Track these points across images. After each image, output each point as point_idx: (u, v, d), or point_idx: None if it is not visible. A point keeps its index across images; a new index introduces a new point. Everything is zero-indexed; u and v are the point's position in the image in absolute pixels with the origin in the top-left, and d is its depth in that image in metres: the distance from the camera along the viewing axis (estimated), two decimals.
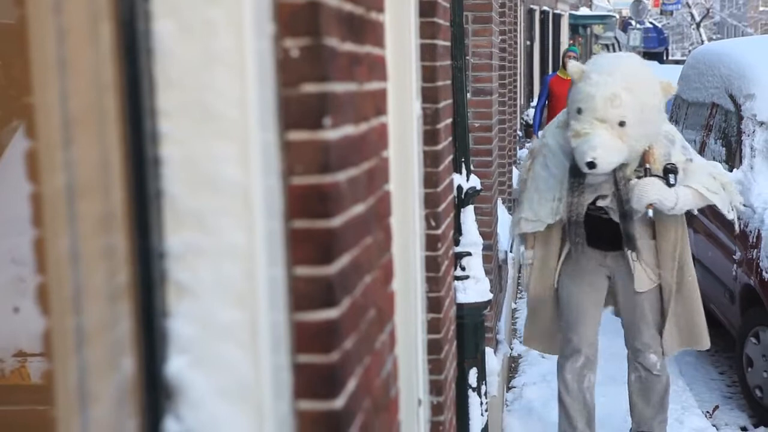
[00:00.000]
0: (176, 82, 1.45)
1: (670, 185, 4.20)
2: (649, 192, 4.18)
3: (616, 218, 4.40)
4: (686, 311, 4.69)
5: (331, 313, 1.54)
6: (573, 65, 4.31)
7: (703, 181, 4.31)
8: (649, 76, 4.27)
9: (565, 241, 4.62)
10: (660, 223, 4.46)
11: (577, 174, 4.29)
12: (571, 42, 26.85)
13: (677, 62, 26.25)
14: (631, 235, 4.37)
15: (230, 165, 1.47)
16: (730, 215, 4.43)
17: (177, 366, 1.47)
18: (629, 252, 4.47)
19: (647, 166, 4.24)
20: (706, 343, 4.88)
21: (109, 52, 1.41)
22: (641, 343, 4.75)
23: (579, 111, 4.13)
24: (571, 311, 4.70)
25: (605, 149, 4.01)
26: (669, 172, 4.24)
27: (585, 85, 4.13)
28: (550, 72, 21.34)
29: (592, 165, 4.04)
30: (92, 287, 1.42)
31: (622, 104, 4.04)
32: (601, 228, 4.47)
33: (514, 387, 6.41)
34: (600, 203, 4.42)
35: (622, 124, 4.05)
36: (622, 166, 4.24)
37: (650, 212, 4.22)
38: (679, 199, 4.24)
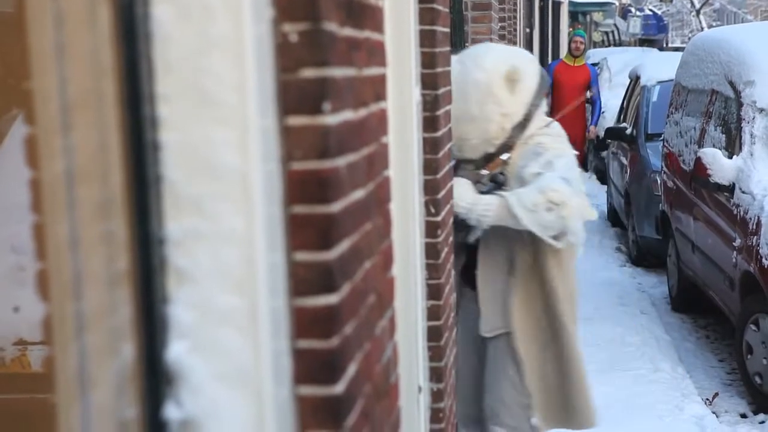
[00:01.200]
0: (175, 67, 1.44)
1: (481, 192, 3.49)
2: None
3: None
4: (563, 383, 3.67)
5: (331, 299, 1.53)
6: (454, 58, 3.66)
7: (522, 194, 3.41)
8: (496, 56, 3.59)
9: None
10: (514, 253, 3.61)
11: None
12: (578, 26, 26.63)
13: (677, 49, 26.21)
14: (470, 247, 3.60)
15: (229, 150, 1.46)
16: (559, 244, 3.43)
17: (177, 352, 1.47)
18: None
19: (484, 171, 3.57)
20: (590, 423, 3.75)
21: (108, 36, 1.40)
22: (486, 407, 3.74)
23: None
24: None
25: None
26: (491, 180, 3.55)
27: None
28: (551, 59, 20.97)
29: None
30: (92, 273, 1.42)
31: None
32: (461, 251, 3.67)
33: None
34: None
35: None
36: (464, 166, 3.60)
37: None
38: (477, 205, 3.45)
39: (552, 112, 11.11)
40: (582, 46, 11.73)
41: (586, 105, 12.20)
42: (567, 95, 11.24)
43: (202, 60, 1.45)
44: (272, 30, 1.49)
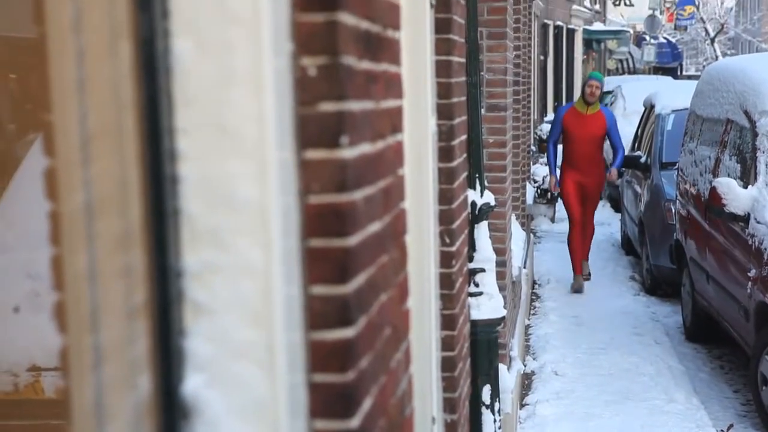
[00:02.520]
0: (194, 101, 1.45)
1: None
2: None
3: None
4: None
5: (347, 332, 1.53)
6: None
7: None
8: None
9: None
10: None
11: None
12: (592, 55, 26.49)
13: (691, 77, 26.22)
14: None
15: (247, 183, 1.47)
16: None
17: (194, 385, 1.46)
18: None
19: None
20: None
21: (128, 70, 1.41)
22: None
23: None
24: None
25: None
26: None
27: None
28: (565, 86, 20.70)
29: None
30: (110, 305, 1.42)
31: None
32: None
33: (528, 404, 6.39)
34: None
35: None
36: None
37: None
38: None
39: (564, 165, 9.97)
40: (598, 92, 9.63)
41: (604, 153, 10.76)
42: (579, 147, 9.71)
43: (222, 93, 1.46)
44: (291, 64, 1.49)
